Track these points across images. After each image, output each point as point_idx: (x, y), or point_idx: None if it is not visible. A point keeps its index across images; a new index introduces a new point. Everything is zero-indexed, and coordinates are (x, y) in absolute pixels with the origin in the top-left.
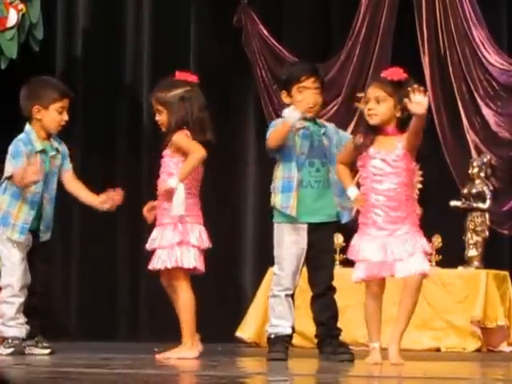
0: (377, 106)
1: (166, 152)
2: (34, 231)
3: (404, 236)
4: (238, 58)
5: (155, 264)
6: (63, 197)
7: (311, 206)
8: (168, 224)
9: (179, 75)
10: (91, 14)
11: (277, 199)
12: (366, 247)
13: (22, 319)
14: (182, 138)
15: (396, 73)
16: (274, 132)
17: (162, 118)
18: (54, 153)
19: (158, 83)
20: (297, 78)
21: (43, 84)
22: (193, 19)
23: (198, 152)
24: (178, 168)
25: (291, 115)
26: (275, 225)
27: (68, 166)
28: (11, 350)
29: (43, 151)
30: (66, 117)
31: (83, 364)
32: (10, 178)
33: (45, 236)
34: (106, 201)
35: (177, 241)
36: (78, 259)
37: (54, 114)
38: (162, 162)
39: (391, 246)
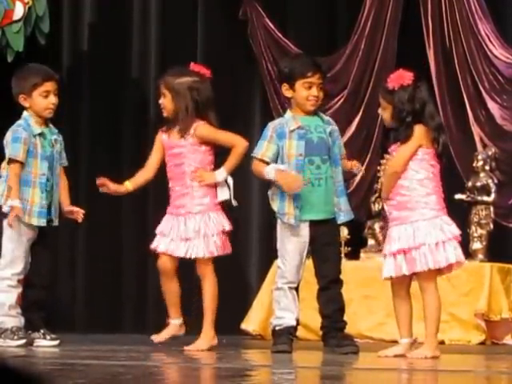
0: (383, 112)
1: (187, 141)
2: (47, 218)
3: (414, 224)
4: (243, 51)
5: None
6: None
7: (312, 204)
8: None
9: (193, 66)
10: (98, 7)
11: (275, 205)
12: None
13: (20, 310)
14: (209, 130)
15: (392, 80)
16: (256, 171)
17: (164, 101)
18: (56, 137)
19: (170, 68)
20: (302, 73)
21: (24, 72)
22: (199, 12)
23: (242, 143)
24: (207, 157)
25: (270, 176)
26: (278, 220)
27: (63, 160)
28: (23, 341)
29: (41, 134)
30: (53, 99)
31: (89, 356)
32: (10, 162)
33: (56, 221)
34: (71, 213)
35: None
36: (83, 251)
37: (38, 100)
38: (183, 150)
39: (403, 234)
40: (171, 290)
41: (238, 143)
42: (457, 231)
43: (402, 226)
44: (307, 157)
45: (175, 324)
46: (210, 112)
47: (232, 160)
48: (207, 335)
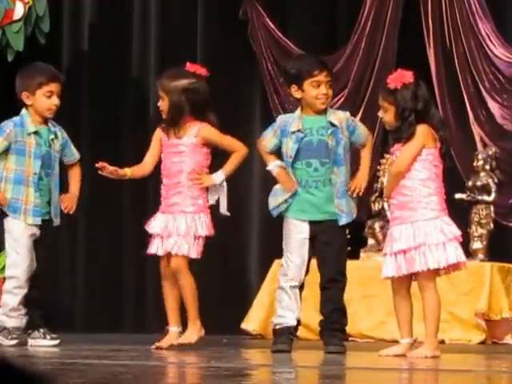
0: (384, 114)
1: (189, 140)
2: (46, 217)
3: (414, 224)
4: (243, 51)
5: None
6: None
7: (311, 204)
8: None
9: (189, 66)
10: (98, 7)
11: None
12: (387, 242)
13: (24, 310)
14: (214, 132)
15: (393, 79)
16: (262, 155)
17: (162, 104)
18: (52, 136)
19: (166, 70)
20: (309, 72)
21: (30, 70)
22: (199, 12)
23: (244, 150)
24: (205, 160)
25: (273, 172)
26: (284, 218)
27: (71, 155)
28: (15, 341)
29: (36, 133)
30: (55, 101)
31: (89, 355)
32: None
33: (56, 221)
34: (62, 201)
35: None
36: (83, 250)
37: (41, 99)
38: (185, 149)
39: (403, 234)
40: (172, 295)
41: (240, 148)
42: (457, 232)
43: (402, 225)
44: (304, 159)
45: (174, 331)
46: (210, 113)
47: (231, 164)
48: (193, 327)
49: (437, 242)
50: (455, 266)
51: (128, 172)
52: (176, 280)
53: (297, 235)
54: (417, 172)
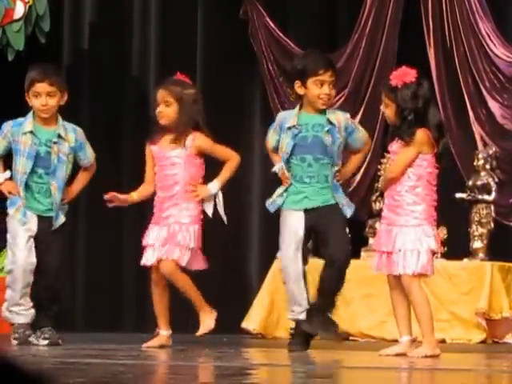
0: (385, 109)
1: (183, 151)
2: (44, 214)
3: (397, 228)
4: (244, 50)
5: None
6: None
7: (304, 196)
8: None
9: (179, 76)
10: (98, 7)
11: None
12: (375, 238)
13: (28, 305)
14: (208, 141)
15: (396, 77)
16: (268, 152)
17: (167, 110)
18: (56, 139)
19: (167, 79)
20: (314, 70)
21: (28, 72)
22: (199, 12)
23: (237, 158)
24: (199, 171)
25: (275, 170)
26: (280, 213)
27: (84, 158)
28: (15, 341)
29: (32, 133)
30: (43, 101)
31: (89, 355)
32: None
33: (57, 223)
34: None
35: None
36: (83, 250)
37: (32, 100)
38: (180, 161)
39: (387, 236)
40: (162, 302)
41: (233, 157)
42: (433, 245)
43: (388, 226)
44: (299, 155)
45: (164, 335)
46: (205, 124)
47: (225, 173)
48: (205, 315)
49: (412, 248)
50: (424, 275)
51: (135, 196)
52: (166, 286)
53: (291, 224)
54: (407, 178)
